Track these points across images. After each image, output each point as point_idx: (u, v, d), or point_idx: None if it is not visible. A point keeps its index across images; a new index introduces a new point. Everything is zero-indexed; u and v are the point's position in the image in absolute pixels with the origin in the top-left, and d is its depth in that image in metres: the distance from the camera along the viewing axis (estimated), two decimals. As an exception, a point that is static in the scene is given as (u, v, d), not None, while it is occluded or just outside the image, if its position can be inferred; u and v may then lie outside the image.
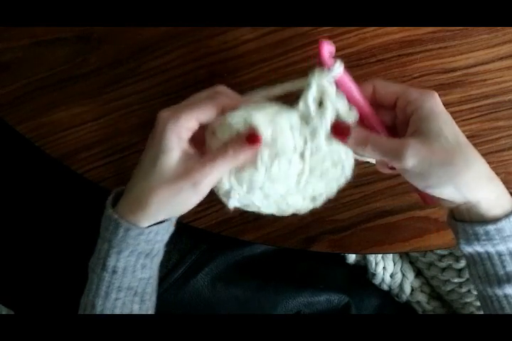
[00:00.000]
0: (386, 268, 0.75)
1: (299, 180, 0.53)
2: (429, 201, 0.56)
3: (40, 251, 0.71)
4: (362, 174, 0.63)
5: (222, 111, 0.52)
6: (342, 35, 0.60)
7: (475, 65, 0.60)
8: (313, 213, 0.62)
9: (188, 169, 0.51)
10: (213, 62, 0.61)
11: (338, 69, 0.49)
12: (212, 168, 0.50)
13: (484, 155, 0.61)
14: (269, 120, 0.51)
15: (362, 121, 0.52)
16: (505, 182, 0.61)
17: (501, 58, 0.60)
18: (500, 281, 0.52)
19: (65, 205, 0.72)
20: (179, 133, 0.51)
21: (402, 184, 0.63)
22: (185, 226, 0.63)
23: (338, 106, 0.50)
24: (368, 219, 0.64)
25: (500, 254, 0.51)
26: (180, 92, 0.61)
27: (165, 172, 0.51)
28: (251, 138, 0.51)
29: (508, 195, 0.52)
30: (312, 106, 0.50)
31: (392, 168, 0.54)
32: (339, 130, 0.51)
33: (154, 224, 0.53)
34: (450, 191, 0.49)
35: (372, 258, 0.74)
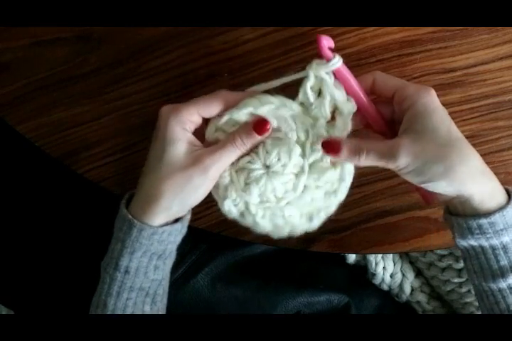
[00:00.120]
0: (386, 268, 0.75)
1: (297, 183, 0.54)
2: (429, 200, 0.56)
3: (40, 250, 0.71)
4: (362, 174, 0.63)
5: (225, 106, 0.53)
6: (342, 35, 0.60)
7: (475, 65, 0.60)
8: (313, 213, 0.62)
9: (196, 157, 0.51)
10: (213, 62, 0.61)
11: (336, 60, 0.50)
12: (222, 154, 0.52)
13: (484, 155, 0.61)
14: (272, 112, 0.52)
15: (360, 112, 0.53)
16: (505, 182, 0.62)
17: (501, 58, 0.60)
18: (494, 275, 0.52)
19: (65, 205, 0.72)
20: (183, 124, 0.52)
21: (402, 184, 0.63)
22: (185, 226, 0.63)
23: (335, 96, 0.52)
24: (368, 219, 0.64)
25: (493, 248, 0.52)
26: (180, 92, 0.61)
27: (173, 163, 0.51)
28: (259, 126, 0.52)
29: (502, 190, 0.52)
30: (311, 95, 0.52)
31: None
32: (330, 146, 0.52)
33: (167, 225, 0.53)
34: (444, 185, 0.50)
35: (372, 258, 0.74)
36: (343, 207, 0.64)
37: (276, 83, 0.53)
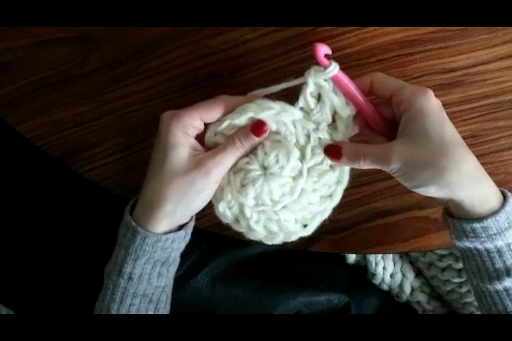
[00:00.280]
0: (386, 268, 0.75)
1: (294, 186, 0.54)
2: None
3: (40, 250, 0.71)
4: (362, 174, 0.63)
5: (226, 110, 0.53)
6: (342, 35, 0.60)
7: (475, 65, 0.60)
8: (313, 213, 0.62)
9: (198, 161, 0.52)
10: (213, 62, 0.61)
11: (332, 68, 0.51)
12: (223, 156, 0.52)
13: (484, 155, 0.62)
14: (272, 117, 0.53)
15: (360, 115, 0.54)
16: (505, 182, 0.62)
17: (501, 58, 0.60)
18: (490, 277, 0.53)
19: (65, 205, 0.72)
20: (184, 129, 0.52)
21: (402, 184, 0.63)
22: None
23: (334, 101, 0.52)
24: (368, 219, 0.64)
25: (488, 251, 0.52)
26: (180, 92, 0.61)
27: (176, 167, 0.52)
28: (256, 128, 0.52)
29: (496, 193, 0.52)
30: (311, 101, 0.53)
31: None
32: (331, 151, 0.53)
33: (171, 232, 0.53)
34: (434, 190, 0.51)
35: (372, 258, 0.74)
36: (343, 207, 0.64)
37: (276, 88, 0.54)
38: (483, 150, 0.62)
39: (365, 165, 0.52)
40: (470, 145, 0.51)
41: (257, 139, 0.53)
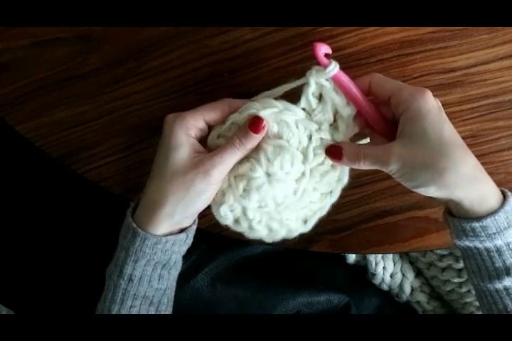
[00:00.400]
0: (386, 268, 0.75)
1: (297, 187, 0.54)
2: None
3: (40, 250, 0.71)
4: (362, 174, 0.63)
5: (229, 111, 0.53)
6: (342, 35, 0.60)
7: (475, 65, 0.60)
8: (313, 213, 0.62)
9: (198, 161, 0.52)
10: (213, 62, 0.61)
11: (333, 67, 0.51)
12: (222, 156, 0.52)
13: (484, 155, 0.62)
14: (275, 116, 0.52)
15: (361, 114, 0.54)
16: (505, 182, 0.62)
17: (501, 58, 0.60)
18: (490, 276, 0.53)
19: (65, 205, 0.72)
20: (187, 129, 0.52)
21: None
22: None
23: (335, 101, 0.53)
24: (368, 219, 0.64)
25: (488, 251, 0.52)
26: (180, 92, 0.61)
27: (176, 168, 0.52)
28: (253, 124, 0.52)
29: (496, 192, 0.52)
30: (313, 101, 0.53)
31: None
32: (332, 152, 0.53)
33: (171, 235, 0.53)
34: (433, 190, 0.51)
35: (372, 258, 0.74)
36: (343, 207, 0.64)
37: (279, 90, 0.54)
38: (483, 150, 0.62)
39: (365, 166, 0.53)
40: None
41: (256, 136, 0.52)
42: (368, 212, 0.64)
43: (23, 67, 0.62)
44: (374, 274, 0.75)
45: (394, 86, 0.52)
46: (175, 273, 0.57)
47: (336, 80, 0.52)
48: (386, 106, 0.54)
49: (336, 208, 0.63)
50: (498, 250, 0.52)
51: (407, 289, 0.76)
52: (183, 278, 0.63)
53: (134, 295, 0.54)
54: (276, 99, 0.54)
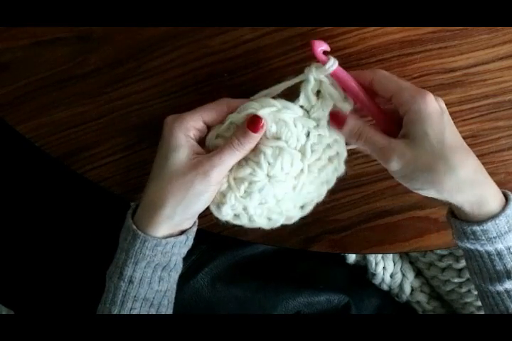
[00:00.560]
0: (386, 268, 0.75)
1: (296, 183, 0.54)
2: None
3: (40, 250, 0.71)
4: (362, 174, 0.63)
5: (228, 111, 0.53)
6: (342, 35, 0.60)
7: (475, 65, 0.60)
8: (313, 213, 0.62)
9: (197, 162, 0.52)
10: (213, 62, 0.61)
11: (332, 64, 0.51)
12: (221, 157, 0.52)
13: (484, 155, 0.62)
14: (273, 115, 0.52)
15: (362, 110, 0.54)
16: (505, 182, 0.62)
17: (501, 58, 0.60)
18: (491, 279, 0.53)
19: (65, 205, 0.72)
20: (186, 131, 0.52)
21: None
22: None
23: (334, 97, 0.53)
24: (368, 219, 0.64)
25: (489, 254, 0.52)
26: (180, 92, 0.61)
27: (175, 169, 0.52)
28: (252, 123, 0.52)
29: (497, 195, 0.52)
30: (312, 97, 0.53)
31: None
32: (336, 119, 0.53)
33: (172, 237, 0.53)
34: (433, 193, 0.51)
35: (372, 258, 0.74)
36: (343, 207, 0.64)
37: (278, 89, 0.54)
38: (483, 150, 0.62)
39: (361, 147, 0.53)
40: (470, 146, 0.51)
41: (254, 135, 0.52)
42: (368, 212, 0.64)
43: (23, 67, 0.62)
44: (374, 274, 0.75)
45: (395, 86, 0.52)
46: (175, 275, 0.57)
47: (335, 76, 0.52)
48: (388, 102, 0.53)
49: (335, 208, 0.63)
50: (499, 254, 0.52)
51: (407, 289, 0.76)
52: (183, 279, 0.63)
53: (135, 297, 0.54)
54: (274, 97, 0.54)
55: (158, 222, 0.52)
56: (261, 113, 0.52)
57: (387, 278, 0.75)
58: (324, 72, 0.51)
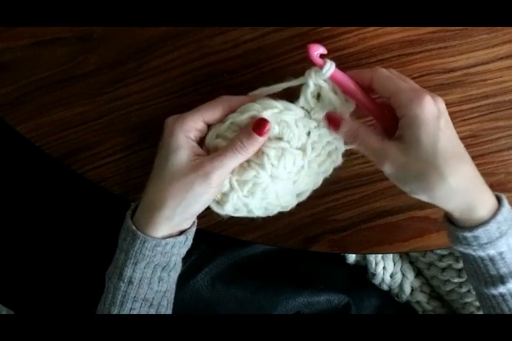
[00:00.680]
0: (386, 268, 0.75)
1: (297, 178, 0.55)
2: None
3: (40, 250, 0.71)
4: (362, 174, 0.63)
5: (228, 110, 0.53)
6: (342, 35, 0.59)
7: (475, 65, 0.60)
8: (313, 213, 0.63)
9: (198, 164, 0.51)
10: (213, 62, 0.61)
11: (329, 67, 0.51)
12: (223, 160, 0.51)
13: (484, 155, 0.62)
14: (275, 116, 0.52)
15: (361, 110, 0.54)
16: (505, 182, 0.62)
17: (501, 58, 0.60)
18: (486, 282, 0.53)
19: (65, 205, 0.72)
20: (186, 132, 0.52)
21: (402, 184, 0.63)
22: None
23: (333, 99, 0.53)
24: (368, 219, 0.64)
25: (482, 259, 0.52)
26: (180, 92, 0.61)
27: (175, 171, 0.51)
28: (258, 126, 0.51)
29: (488, 204, 0.51)
30: (312, 101, 0.53)
31: None
32: (332, 120, 0.53)
33: (171, 237, 0.53)
34: (425, 199, 0.51)
35: (372, 258, 0.74)
36: (343, 207, 0.64)
37: (277, 87, 0.54)
38: (483, 150, 0.62)
39: (358, 148, 0.53)
40: (470, 145, 0.51)
41: (259, 139, 0.51)
42: (368, 212, 0.64)
43: (23, 67, 0.62)
44: (374, 274, 0.75)
45: (394, 87, 0.51)
46: (174, 275, 0.57)
47: (333, 79, 0.52)
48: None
49: (335, 208, 0.63)
50: (492, 259, 0.52)
51: (407, 289, 0.76)
52: (183, 279, 0.63)
53: (134, 297, 0.54)
54: (272, 96, 0.54)
55: (158, 222, 0.52)
56: (264, 115, 0.52)
57: (387, 278, 0.75)
58: (322, 76, 0.52)
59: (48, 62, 0.62)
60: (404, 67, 0.60)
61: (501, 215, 0.51)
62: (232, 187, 0.54)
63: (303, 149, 0.54)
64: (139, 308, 0.54)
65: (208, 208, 0.57)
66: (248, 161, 0.53)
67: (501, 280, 0.52)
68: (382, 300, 0.76)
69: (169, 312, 0.57)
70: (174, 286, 0.58)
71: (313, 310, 0.70)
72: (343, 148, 0.56)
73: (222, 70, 0.61)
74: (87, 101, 0.62)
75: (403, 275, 0.76)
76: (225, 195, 0.54)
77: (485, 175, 0.54)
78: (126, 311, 0.54)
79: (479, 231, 0.51)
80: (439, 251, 0.72)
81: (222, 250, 0.70)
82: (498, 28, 0.59)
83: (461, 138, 0.58)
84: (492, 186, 0.60)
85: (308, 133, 0.54)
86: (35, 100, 0.62)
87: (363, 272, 0.76)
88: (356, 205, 0.64)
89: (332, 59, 0.52)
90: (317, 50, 0.51)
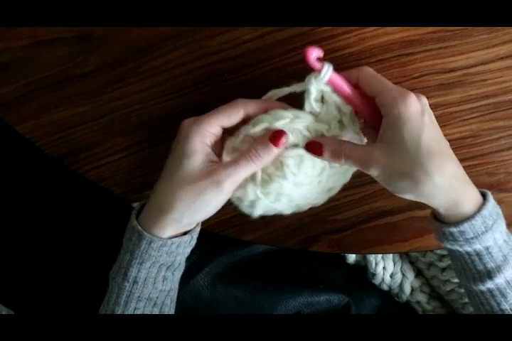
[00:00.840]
0: (386, 268, 0.75)
1: (321, 179, 0.56)
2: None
3: (40, 250, 0.71)
4: (362, 174, 0.62)
5: (245, 114, 0.53)
6: (342, 35, 0.59)
7: (475, 65, 0.60)
8: (313, 213, 0.63)
9: (211, 171, 0.52)
10: (213, 62, 0.61)
11: (327, 71, 0.52)
12: (236, 168, 0.52)
13: (484, 155, 0.62)
14: (287, 126, 0.53)
15: (358, 113, 0.54)
16: (505, 182, 0.62)
17: (501, 58, 0.60)
18: (474, 278, 0.54)
19: (65, 205, 0.72)
20: (203, 136, 0.52)
21: (402, 184, 0.63)
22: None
23: (337, 101, 0.53)
24: (368, 219, 0.64)
25: (469, 254, 0.53)
26: (180, 92, 0.61)
27: (189, 175, 0.52)
28: (275, 136, 0.52)
29: (472, 200, 0.52)
30: (316, 106, 0.54)
31: None
32: (312, 148, 0.53)
33: (176, 237, 0.53)
34: (412, 197, 0.52)
35: (372, 258, 0.74)
36: (343, 207, 0.64)
37: (286, 90, 0.55)
38: (483, 150, 0.62)
39: (346, 165, 0.53)
40: (470, 145, 0.51)
41: (274, 149, 0.52)
42: (368, 212, 0.64)
43: (23, 67, 0.62)
44: (374, 274, 0.75)
45: (379, 86, 0.51)
46: (178, 274, 0.57)
47: (330, 82, 0.52)
48: None
49: (335, 208, 0.63)
50: (478, 254, 0.52)
51: (407, 289, 0.76)
52: (183, 279, 0.63)
53: (139, 297, 0.54)
54: (281, 99, 0.55)
55: (165, 223, 0.52)
56: (276, 125, 0.53)
57: (387, 278, 0.75)
58: (323, 80, 0.52)
59: (47, 62, 0.62)
60: (404, 67, 0.60)
61: (486, 210, 0.52)
62: (258, 197, 0.55)
63: None
64: (143, 308, 0.54)
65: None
66: (269, 174, 0.54)
67: (489, 275, 0.52)
68: (382, 300, 0.76)
69: (172, 311, 0.57)
70: (177, 286, 0.58)
71: (313, 310, 0.70)
72: (357, 137, 0.56)
73: (222, 70, 0.61)
74: (87, 101, 0.62)
75: (403, 275, 0.76)
76: (252, 202, 0.55)
77: (485, 175, 0.55)
78: (130, 311, 0.54)
79: (465, 226, 0.51)
80: (439, 251, 0.72)
81: (222, 250, 0.70)
82: (498, 28, 0.59)
83: (461, 138, 0.58)
84: (492, 186, 0.60)
85: (322, 136, 0.54)
86: (35, 100, 0.62)
87: (363, 272, 0.76)
88: (356, 205, 0.64)
89: (332, 59, 0.52)
90: (314, 54, 0.51)
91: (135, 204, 0.58)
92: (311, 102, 0.53)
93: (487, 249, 0.52)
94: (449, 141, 0.53)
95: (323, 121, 0.54)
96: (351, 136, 0.55)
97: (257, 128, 0.53)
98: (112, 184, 0.64)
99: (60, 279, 0.70)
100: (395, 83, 0.52)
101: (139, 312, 0.54)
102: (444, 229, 0.52)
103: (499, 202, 0.55)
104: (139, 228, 0.53)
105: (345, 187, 0.59)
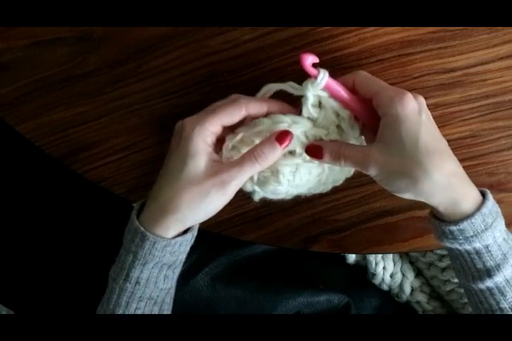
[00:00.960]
0: (386, 268, 0.75)
1: (320, 179, 0.57)
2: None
3: (40, 250, 0.71)
4: (362, 174, 0.62)
5: (246, 112, 0.53)
6: (342, 35, 0.59)
7: (475, 65, 0.60)
8: (313, 213, 0.63)
9: (215, 171, 0.52)
10: (213, 62, 0.61)
11: (323, 77, 0.52)
12: (240, 169, 0.52)
13: (484, 155, 0.62)
14: None
15: (356, 117, 0.54)
16: (505, 182, 0.62)
17: (501, 58, 0.60)
18: (474, 277, 0.54)
19: (65, 205, 0.72)
20: (205, 137, 0.52)
21: (402, 184, 0.63)
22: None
23: (334, 105, 0.54)
24: (368, 219, 0.64)
25: (469, 253, 0.53)
26: (180, 92, 0.61)
27: (192, 176, 0.51)
28: (281, 135, 0.52)
29: (472, 198, 0.52)
30: (314, 111, 0.54)
31: None
32: (312, 151, 0.54)
33: (179, 236, 0.54)
34: (410, 196, 0.52)
35: (372, 258, 0.74)
36: (343, 207, 0.64)
37: (283, 86, 0.55)
38: (483, 150, 0.62)
39: (346, 166, 0.53)
40: (470, 145, 0.51)
41: (280, 149, 0.52)
42: (368, 212, 0.64)
43: (23, 67, 0.62)
44: (374, 274, 0.75)
45: (376, 87, 0.52)
46: (178, 271, 0.57)
47: (326, 88, 0.53)
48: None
49: (335, 208, 0.63)
50: (478, 252, 0.52)
51: (407, 289, 0.76)
52: (183, 278, 0.64)
53: (140, 297, 0.54)
54: (271, 97, 0.55)
55: (168, 224, 0.52)
56: (273, 130, 0.53)
57: (387, 278, 0.75)
58: (319, 86, 0.52)
59: (47, 62, 0.62)
60: (404, 67, 0.60)
61: (486, 208, 0.52)
62: (255, 191, 0.56)
63: None
64: (143, 307, 0.54)
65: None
66: (265, 177, 0.55)
67: (488, 273, 0.52)
68: (382, 300, 0.76)
69: (170, 308, 0.57)
70: (176, 282, 0.58)
71: (313, 310, 0.70)
72: (357, 142, 0.56)
73: (222, 70, 0.61)
74: (87, 101, 0.62)
75: (403, 275, 0.76)
76: (250, 193, 0.57)
77: (485, 175, 0.55)
78: (131, 311, 0.54)
79: (464, 224, 0.51)
80: (439, 251, 0.72)
81: (222, 250, 0.70)
82: (498, 28, 0.59)
83: (461, 138, 0.58)
84: (492, 186, 0.60)
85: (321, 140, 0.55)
86: (35, 100, 0.62)
87: (363, 272, 0.76)
88: (356, 205, 0.64)
89: (332, 59, 0.52)
90: (309, 60, 0.51)
91: (135, 204, 0.58)
92: (309, 108, 0.54)
93: (486, 247, 0.52)
94: (449, 141, 0.53)
95: (322, 126, 0.54)
96: (351, 141, 0.55)
97: (254, 130, 0.54)
98: (112, 184, 0.64)
99: (60, 279, 0.70)
100: (394, 83, 0.53)
101: (139, 312, 0.54)
102: (443, 227, 0.52)
103: (499, 201, 0.55)
104: (142, 229, 0.52)
105: (345, 187, 0.59)
